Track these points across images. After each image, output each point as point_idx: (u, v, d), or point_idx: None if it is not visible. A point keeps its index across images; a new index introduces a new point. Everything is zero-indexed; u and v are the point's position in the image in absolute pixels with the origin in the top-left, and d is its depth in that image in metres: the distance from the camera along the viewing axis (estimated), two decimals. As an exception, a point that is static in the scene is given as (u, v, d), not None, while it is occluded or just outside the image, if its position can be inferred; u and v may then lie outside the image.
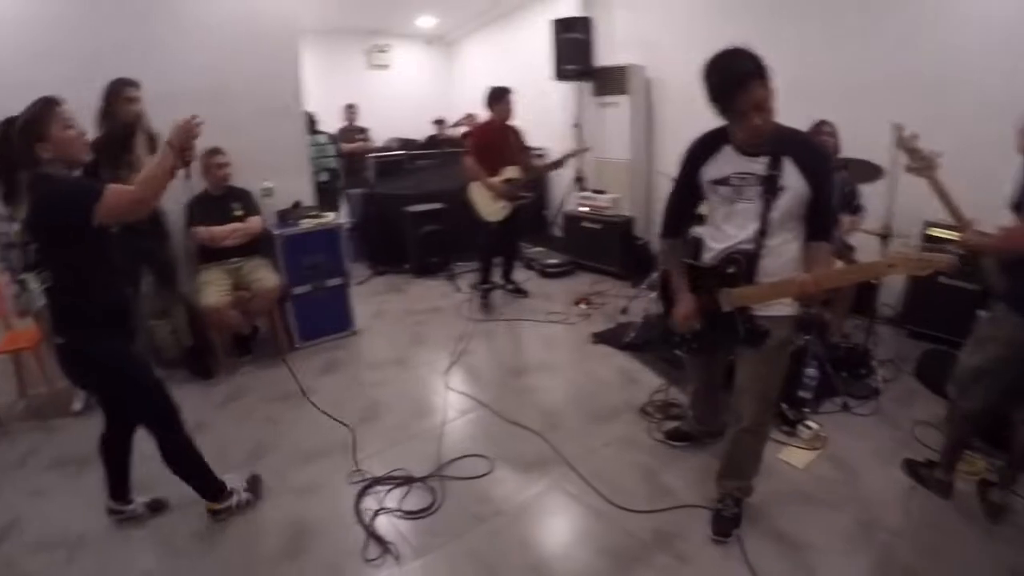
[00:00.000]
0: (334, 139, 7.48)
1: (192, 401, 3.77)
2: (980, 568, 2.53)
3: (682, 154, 2.58)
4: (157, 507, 2.89)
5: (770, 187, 2.27)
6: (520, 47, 8.88)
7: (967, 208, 2.65)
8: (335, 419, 3.68)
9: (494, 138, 5.45)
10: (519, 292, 6.04)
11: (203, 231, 4.16)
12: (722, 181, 2.39)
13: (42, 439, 3.61)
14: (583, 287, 6.31)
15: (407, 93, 10.20)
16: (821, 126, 4.20)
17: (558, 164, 5.84)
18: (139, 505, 2.86)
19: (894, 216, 3.88)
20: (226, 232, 4.22)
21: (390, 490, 3.00)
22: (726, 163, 2.38)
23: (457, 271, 6.67)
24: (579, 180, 7.17)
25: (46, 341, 3.54)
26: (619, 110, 7.05)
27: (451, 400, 3.90)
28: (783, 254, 2.38)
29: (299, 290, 4.57)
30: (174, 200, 4.11)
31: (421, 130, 9.56)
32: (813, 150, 2.36)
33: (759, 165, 2.29)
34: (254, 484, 2.97)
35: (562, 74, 6.96)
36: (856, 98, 5.10)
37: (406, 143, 9.20)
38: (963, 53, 4.55)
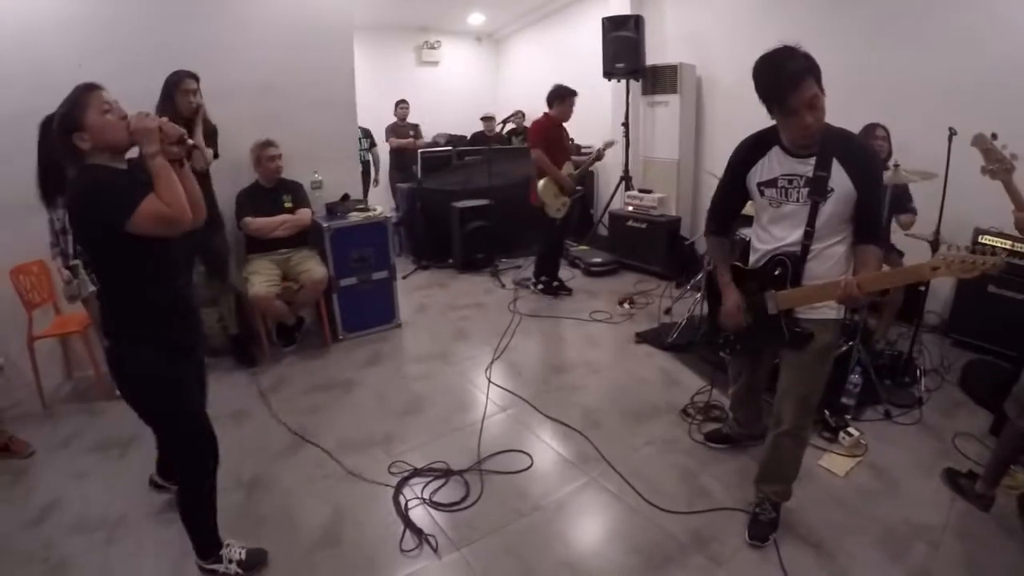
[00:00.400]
0: (367, 133, 7.66)
1: (236, 389, 3.93)
2: None
3: (730, 155, 2.59)
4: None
5: (818, 189, 2.26)
6: (569, 45, 8.88)
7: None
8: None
9: (555, 134, 5.55)
10: (564, 290, 6.06)
11: (253, 222, 4.22)
12: (770, 183, 2.40)
13: (86, 422, 3.69)
14: (627, 287, 6.30)
15: (456, 89, 10.24)
16: (874, 129, 4.15)
17: (597, 158, 5.86)
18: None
19: (945, 223, 3.81)
20: (276, 223, 4.28)
21: (429, 482, 3.03)
22: (774, 164, 2.38)
23: (501, 267, 6.71)
24: (626, 179, 7.15)
25: (94, 326, 3.69)
26: (668, 109, 7.02)
27: (493, 395, 3.92)
28: (830, 257, 2.37)
29: (345, 282, 4.62)
30: (223, 191, 4.24)
31: (469, 126, 9.57)
32: (862, 151, 2.33)
33: (807, 167, 2.28)
34: (253, 558, 2.51)
35: (612, 72, 6.92)
36: (909, 101, 5.01)
37: (453, 139, 9.22)
38: (1016, 60, 4.48)
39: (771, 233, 2.48)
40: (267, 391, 3.96)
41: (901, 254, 4.20)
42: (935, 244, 3.79)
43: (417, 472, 3.10)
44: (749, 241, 2.70)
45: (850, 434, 3.37)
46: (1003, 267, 1.89)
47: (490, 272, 6.65)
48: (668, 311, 5.39)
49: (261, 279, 4.12)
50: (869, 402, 3.79)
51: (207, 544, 2.44)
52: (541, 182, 5.51)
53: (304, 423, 3.56)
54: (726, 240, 2.77)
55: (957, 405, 3.88)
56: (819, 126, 2.19)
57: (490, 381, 4.09)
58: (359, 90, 5.21)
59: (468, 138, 9.28)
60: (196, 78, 3.79)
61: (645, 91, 7.19)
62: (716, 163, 7.05)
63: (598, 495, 2.99)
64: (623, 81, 7.03)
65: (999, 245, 4.27)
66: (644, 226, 6.69)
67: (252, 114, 4.46)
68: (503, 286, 6.24)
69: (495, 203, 6.72)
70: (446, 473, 3.10)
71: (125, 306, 2.08)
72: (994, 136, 2.72)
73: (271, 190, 4.41)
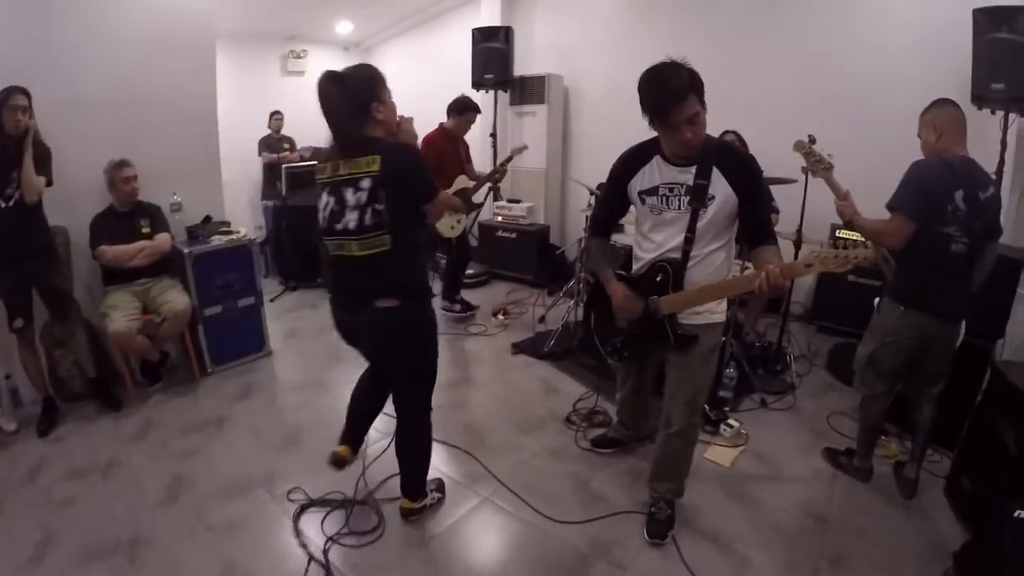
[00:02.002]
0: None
1: (102, 436, 3.70)
2: (902, 543, 2.85)
3: (613, 164, 2.69)
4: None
5: (698, 196, 2.38)
6: (439, 55, 8.95)
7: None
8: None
9: (447, 146, 5.35)
10: (468, 308, 5.99)
11: (108, 251, 3.96)
12: (651, 191, 2.51)
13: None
14: (500, 297, 6.49)
15: None
16: (725, 135, 4.50)
17: (503, 167, 5.73)
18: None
19: (804, 222, 4.28)
20: (133, 251, 4.03)
21: (325, 516, 2.98)
22: (655, 173, 2.50)
23: None
24: (494, 189, 7.27)
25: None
26: (536, 119, 7.28)
27: (376, 420, 3.86)
28: (710, 263, 2.51)
29: (210, 311, 4.44)
30: (73, 218, 4.03)
31: (336, 140, 9.37)
32: (740, 158, 2.46)
33: (687, 175, 2.41)
34: (440, 486, 3.16)
35: (481, 83, 7.07)
36: (767, 111, 5.50)
37: (319, 151, 9.05)
38: (864, 71, 5.10)
39: (652, 240, 2.60)
40: (136, 436, 3.72)
41: None
42: (798, 242, 4.30)
43: (311, 503, 3.05)
44: (631, 250, 2.83)
45: (731, 425, 3.70)
46: (873, 259, 2.10)
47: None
48: (542, 319, 5.62)
49: (120, 314, 3.87)
50: (745, 392, 4.17)
51: (421, 486, 2.96)
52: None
53: (179, 469, 3.37)
54: (607, 241, 2.97)
55: (827, 387, 4.39)
56: (699, 140, 2.33)
57: None
58: (221, 102, 5.03)
59: (336, 152, 9.15)
60: (27, 94, 3.45)
61: (513, 101, 7.43)
62: (583, 172, 7.40)
63: (494, 515, 3.06)
64: (492, 91, 7.20)
65: (857, 238, 4.89)
66: (514, 235, 6.92)
67: (104, 130, 4.20)
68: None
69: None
70: (342, 503, 3.05)
71: (420, 269, 2.61)
72: (812, 140, 3.16)
73: (127, 215, 4.16)
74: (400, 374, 2.78)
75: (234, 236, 4.61)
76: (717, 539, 2.87)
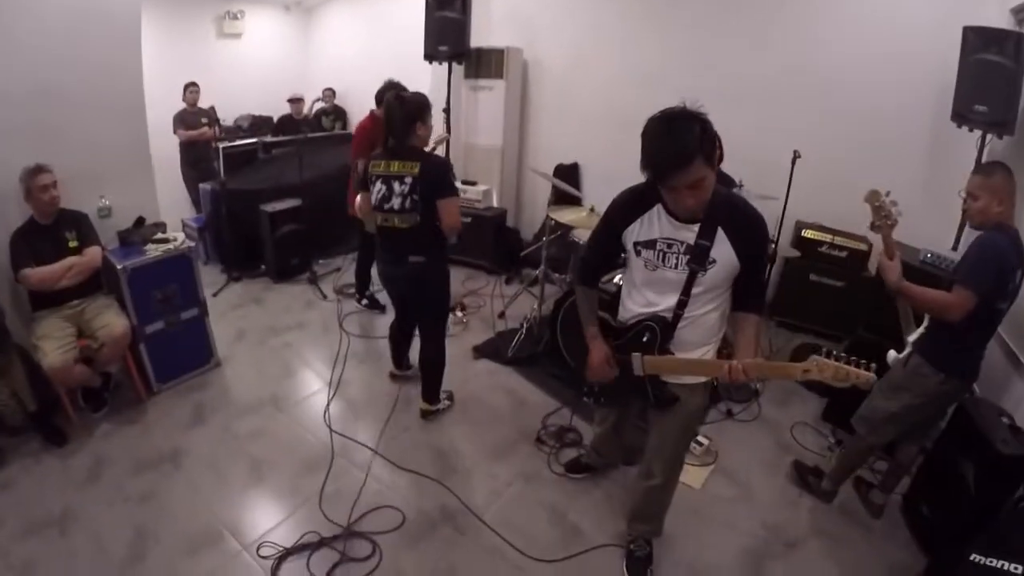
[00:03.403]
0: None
1: (50, 482, 3.46)
2: (866, 568, 3.07)
3: (609, 204, 2.53)
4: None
5: (698, 258, 2.24)
6: (389, 19, 8.63)
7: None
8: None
9: (378, 134, 5.16)
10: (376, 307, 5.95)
11: (34, 273, 3.64)
12: (648, 244, 2.35)
13: None
14: (456, 286, 6.29)
15: (261, 65, 9.62)
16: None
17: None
18: (413, 370, 4.42)
19: (771, 216, 4.22)
20: (61, 271, 3.72)
21: (309, 558, 2.96)
22: (654, 226, 2.32)
23: (320, 272, 6.54)
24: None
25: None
26: (493, 95, 7.07)
27: (338, 447, 3.80)
28: (702, 324, 2.40)
29: (152, 328, 4.19)
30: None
31: (276, 106, 9.08)
32: (750, 221, 2.26)
33: (690, 233, 2.24)
34: (451, 396, 4.35)
35: (434, 55, 6.77)
36: (739, 99, 5.45)
37: (257, 120, 8.78)
38: (845, 71, 5.10)
39: (643, 295, 2.46)
40: (88, 479, 3.48)
41: None
42: (773, 253, 4.36)
43: (289, 552, 2.99)
44: (620, 293, 2.70)
45: (700, 443, 3.78)
46: (871, 385, 2.02)
47: (308, 279, 6.43)
48: (502, 315, 5.59)
49: (53, 345, 3.59)
50: (712, 403, 4.23)
51: (438, 391, 4.18)
52: (360, 196, 5.30)
53: (139, 519, 3.18)
54: (594, 291, 2.71)
55: (789, 393, 4.54)
56: (701, 204, 2.15)
57: (332, 431, 3.96)
58: (147, 75, 4.63)
59: (274, 120, 8.83)
60: None
61: (468, 75, 7.17)
62: (540, 153, 7.38)
63: (478, 556, 3.07)
64: (445, 64, 6.91)
65: (817, 238, 5.09)
66: (469, 220, 6.72)
67: (16, 129, 3.83)
68: (324, 297, 6.07)
69: (308, 201, 6.45)
70: (317, 545, 3.03)
71: (440, 238, 3.61)
72: (887, 193, 2.85)
73: (50, 228, 3.82)
74: (425, 308, 3.95)
75: (171, 245, 4.31)
76: (693, 569, 3.03)
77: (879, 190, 2.84)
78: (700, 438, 3.80)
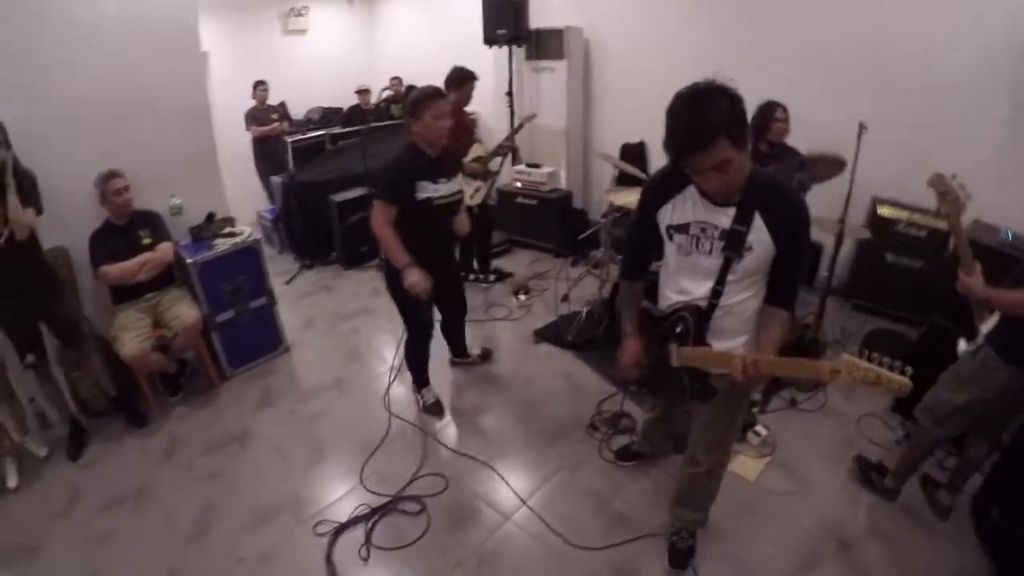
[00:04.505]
0: None
1: (130, 460, 3.83)
2: (926, 572, 2.91)
3: (642, 189, 2.46)
4: (486, 355, 4.78)
5: (734, 245, 2.10)
6: (447, 7, 8.74)
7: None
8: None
9: (456, 119, 5.25)
10: (503, 277, 6.29)
11: (111, 270, 3.96)
12: (680, 228, 2.23)
13: None
14: (522, 268, 6.52)
15: (328, 59, 9.85)
16: (773, 111, 4.21)
17: (514, 135, 5.78)
18: (475, 356, 4.74)
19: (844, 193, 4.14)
20: (136, 267, 4.04)
21: (370, 529, 3.18)
22: (687, 208, 2.19)
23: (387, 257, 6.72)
24: (512, 152, 7.12)
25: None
26: (555, 76, 7.09)
27: (395, 429, 3.98)
28: (742, 312, 2.28)
29: (222, 317, 4.50)
30: (71, 237, 4.04)
31: (344, 98, 9.34)
32: (792, 207, 2.10)
33: (725, 217, 2.11)
34: (433, 408, 4.21)
35: (494, 39, 6.86)
36: (804, 72, 5.34)
37: (328, 112, 9.09)
38: (914, 23, 4.78)
39: (677, 282, 2.36)
40: (162, 458, 3.84)
41: None
42: (840, 232, 4.19)
43: (343, 528, 3.19)
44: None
45: (758, 433, 3.68)
46: (906, 392, 1.82)
47: (376, 266, 6.67)
48: (565, 298, 5.62)
49: (131, 336, 3.93)
50: (775, 390, 4.13)
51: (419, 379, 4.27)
52: None
53: (208, 496, 3.49)
54: (639, 283, 2.57)
55: None
56: (731, 187, 2.03)
57: (390, 414, 4.13)
58: (218, 75, 4.85)
59: (344, 111, 9.11)
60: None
61: (529, 57, 7.21)
62: (605, 135, 7.35)
63: (518, 538, 3.15)
64: (505, 47, 6.98)
65: (895, 217, 4.87)
66: (535, 203, 6.85)
67: (89, 139, 4.14)
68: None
69: (374, 190, 6.60)
70: (372, 513, 3.27)
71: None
72: (953, 176, 2.73)
73: (125, 228, 4.13)
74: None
75: (238, 239, 4.59)
76: (739, 565, 2.95)
77: (943, 173, 2.71)
78: (759, 428, 3.71)
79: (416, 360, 4.19)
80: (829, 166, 4.16)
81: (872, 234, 4.79)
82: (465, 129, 5.52)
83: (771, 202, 2.06)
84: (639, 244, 2.52)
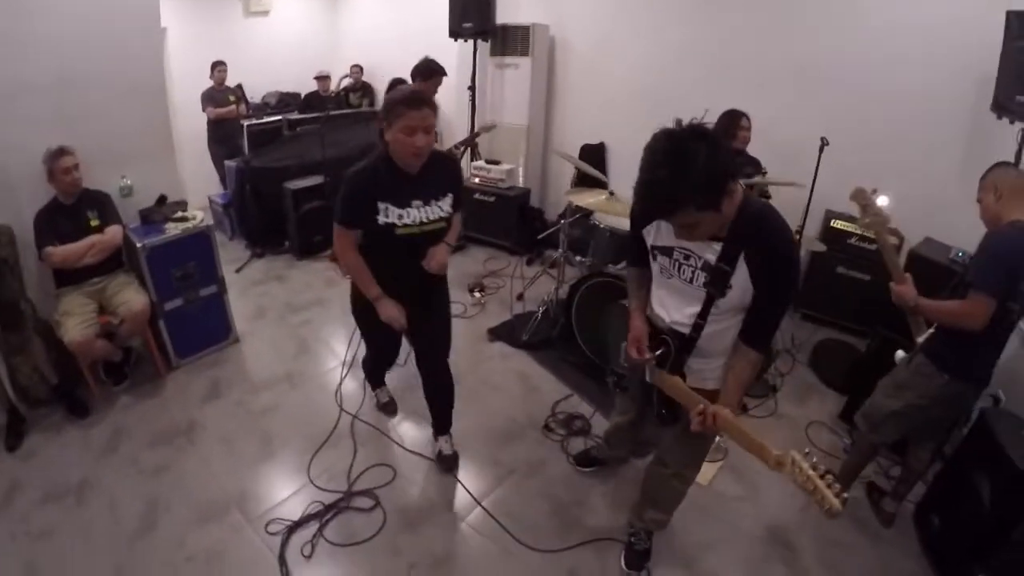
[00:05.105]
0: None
1: (72, 450, 3.69)
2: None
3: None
4: (450, 462, 3.64)
5: (716, 283, 2.07)
6: (415, -1, 8.66)
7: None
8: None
9: None
10: None
11: (56, 252, 3.82)
12: (664, 250, 2.22)
13: None
14: (477, 265, 6.53)
15: (289, 42, 9.68)
16: (739, 119, 4.39)
17: (470, 142, 5.75)
18: (441, 452, 3.70)
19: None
20: (83, 249, 3.90)
21: (323, 526, 3.14)
22: (672, 232, 2.10)
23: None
24: (471, 147, 7.11)
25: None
26: (519, 72, 7.12)
27: (346, 426, 3.93)
28: (722, 339, 2.25)
29: (171, 305, 4.37)
30: (15, 214, 3.88)
31: (302, 84, 9.23)
32: (779, 256, 2.01)
33: (710, 250, 2.06)
34: (388, 407, 4.13)
35: (459, 32, 6.85)
36: (772, 81, 5.45)
37: (285, 96, 8.96)
38: (877, 44, 4.94)
39: (662, 301, 2.37)
40: (106, 450, 3.69)
41: None
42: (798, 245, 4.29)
43: (296, 525, 3.14)
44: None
45: None
46: (833, 516, 1.87)
47: (330, 256, 6.58)
48: (520, 297, 5.66)
49: (75, 321, 3.78)
50: None
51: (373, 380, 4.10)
52: None
53: (154, 490, 3.38)
54: (647, 270, 2.45)
55: (809, 389, 4.52)
56: (705, 236, 2.01)
57: (341, 409, 4.09)
58: (175, 53, 4.69)
59: (302, 97, 8.99)
60: None
61: (494, 52, 7.21)
62: (566, 132, 7.41)
63: (473, 541, 3.16)
64: (470, 41, 6.99)
65: (849, 230, 4.99)
66: (492, 199, 6.84)
67: (40, 114, 3.98)
68: (344, 274, 6.13)
69: (331, 178, 6.54)
70: (325, 509, 3.23)
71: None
72: (874, 191, 2.85)
73: (73, 207, 3.98)
74: None
75: (190, 224, 4.46)
76: (691, 568, 3.03)
77: (864, 188, 2.83)
78: None
79: (372, 368, 4.02)
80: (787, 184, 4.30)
81: (825, 247, 4.91)
82: None
83: (760, 245, 1.99)
84: (635, 246, 2.45)
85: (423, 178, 2.81)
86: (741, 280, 2.03)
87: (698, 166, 1.74)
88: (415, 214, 2.80)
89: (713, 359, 2.31)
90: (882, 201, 2.90)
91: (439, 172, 2.89)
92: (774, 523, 3.34)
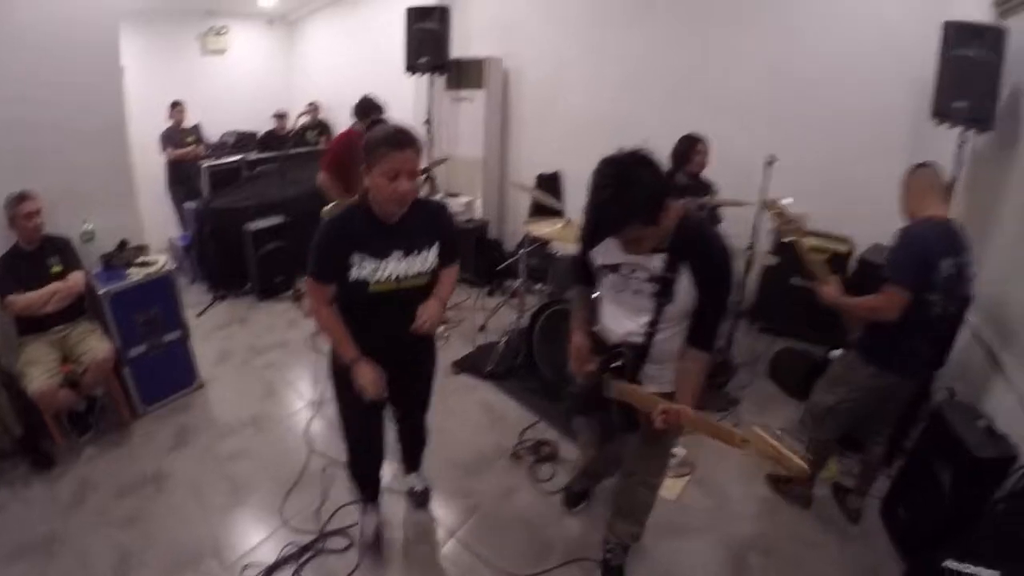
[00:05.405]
0: None
1: (36, 507, 3.61)
2: (843, 572, 3.20)
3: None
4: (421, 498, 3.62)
5: (663, 291, 2.28)
6: (370, 32, 8.77)
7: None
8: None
9: (355, 152, 5.14)
10: None
11: (18, 300, 3.79)
12: (612, 268, 2.40)
13: None
14: (437, 299, 6.52)
15: (245, 81, 9.78)
16: (695, 144, 4.54)
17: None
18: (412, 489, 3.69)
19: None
20: (45, 297, 3.87)
21: (296, 569, 3.13)
22: (619, 250, 2.32)
23: (303, 290, 6.58)
24: (428, 180, 7.16)
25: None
26: (474, 105, 7.28)
27: (317, 467, 3.92)
28: (674, 343, 2.43)
29: (135, 351, 4.34)
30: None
31: (259, 123, 9.28)
32: (715, 262, 2.26)
33: (655, 261, 2.27)
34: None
35: (415, 67, 6.90)
36: (722, 103, 5.65)
37: (243, 136, 8.97)
38: (825, 71, 5.19)
39: (613, 315, 2.52)
40: (73, 503, 3.63)
41: None
42: (749, 259, 4.59)
43: (271, 570, 3.12)
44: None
45: (675, 454, 3.84)
46: (804, 475, 2.09)
47: (292, 297, 6.61)
48: (483, 328, 5.74)
49: (39, 371, 3.74)
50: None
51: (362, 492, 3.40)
52: (327, 207, 5.38)
53: (124, 543, 3.30)
54: (589, 289, 2.65)
55: (769, 399, 4.71)
56: (647, 248, 2.23)
57: (311, 450, 4.09)
58: (132, 93, 4.67)
59: (258, 136, 9.02)
60: None
61: (450, 85, 7.36)
62: (522, 163, 7.54)
63: (448, 574, 3.19)
64: (426, 76, 7.06)
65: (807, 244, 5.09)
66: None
67: None
68: (307, 313, 6.13)
69: (291, 218, 6.60)
70: (300, 551, 3.23)
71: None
72: (785, 199, 3.12)
73: (34, 254, 3.97)
74: None
75: (153, 268, 4.45)
76: None
77: (775, 198, 3.12)
78: (676, 449, 3.87)
79: (357, 472, 3.38)
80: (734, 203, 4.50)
81: (778, 260, 5.05)
82: (356, 156, 5.24)
83: (697, 253, 2.24)
84: (582, 267, 2.63)
85: (405, 226, 2.58)
86: (684, 285, 2.26)
87: (640, 186, 2.03)
88: (393, 267, 2.55)
89: (666, 364, 2.49)
90: (786, 201, 3.19)
91: (423, 219, 2.64)
92: (746, 529, 3.48)
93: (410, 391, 3.12)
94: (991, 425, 3.01)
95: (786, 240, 3.14)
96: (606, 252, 2.42)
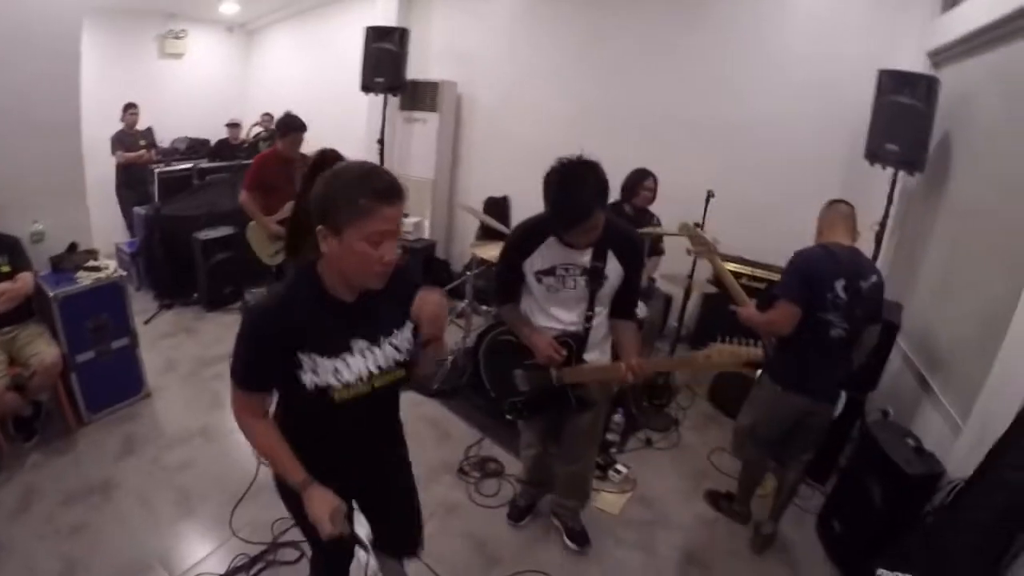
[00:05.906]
0: None
1: None
2: None
3: (507, 238, 2.94)
4: None
5: (595, 279, 2.70)
6: (329, 47, 8.86)
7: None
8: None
9: (276, 172, 5.18)
10: None
11: None
12: (548, 272, 2.75)
13: None
14: (385, 319, 6.59)
15: (201, 86, 9.69)
16: (644, 179, 4.70)
17: None
18: None
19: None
20: None
21: None
22: (551, 254, 2.73)
23: (251, 301, 6.56)
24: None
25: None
26: (427, 127, 7.41)
27: (265, 478, 3.74)
28: (601, 328, 2.88)
29: (83, 357, 4.28)
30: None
31: (212, 130, 9.20)
32: (633, 244, 2.78)
33: (584, 257, 2.69)
34: None
35: (371, 87, 6.98)
36: (666, 137, 5.93)
37: (194, 143, 8.90)
38: (762, 100, 5.51)
39: (550, 313, 2.85)
40: (18, 510, 3.55)
41: (653, 280, 5.13)
42: (688, 287, 4.81)
43: None
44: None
45: (618, 471, 4.09)
46: (759, 358, 2.43)
47: (240, 308, 6.58)
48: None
49: None
50: (631, 431, 4.57)
51: None
52: (249, 225, 5.38)
53: (71, 552, 3.27)
54: (516, 304, 3.00)
55: (709, 420, 4.93)
56: (596, 239, 2.62)
57: (259, 462, 3.99)
58: (86, 92, 4.62)
59: (211, 144, 8.95)
60: None
61: (404, 106, 7.48)
62: (471, 186, 7.71)
63: None
64: (381, 95, 7.14)
65: (746, 273, 5.41)
66: (398, 252, 6.91)
67: None
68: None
69: (241, 230, 6.39)
70: (252, 561, 3.26)
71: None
72: (697, 225, 3.51)
73: None
74: None
75: (103, 273, 4.40)
76: None
77: (688, 222, 3.48)
78: (619, 466, 4.12)
79: None
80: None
81: (717, 288, 5.19)
82: (288, 179, 5.15)
83: (620, 241, 2.72)
84: (509, 283, 2.95)
85: (364, 304, 1.88)
86: (613, 268, 2.71)
87: (593, 180, 2.47)
88: (359, 364, 1.88)
89: (599, 346, 2.92)
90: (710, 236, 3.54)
91: (389, 290, 1.84)
92: (686, 543, 3.67)
93: (392, 513, 2.49)
94: (919, 444, 3.24)
95: (697, 258, 3.49)
96: (543, 257, 2.75)
